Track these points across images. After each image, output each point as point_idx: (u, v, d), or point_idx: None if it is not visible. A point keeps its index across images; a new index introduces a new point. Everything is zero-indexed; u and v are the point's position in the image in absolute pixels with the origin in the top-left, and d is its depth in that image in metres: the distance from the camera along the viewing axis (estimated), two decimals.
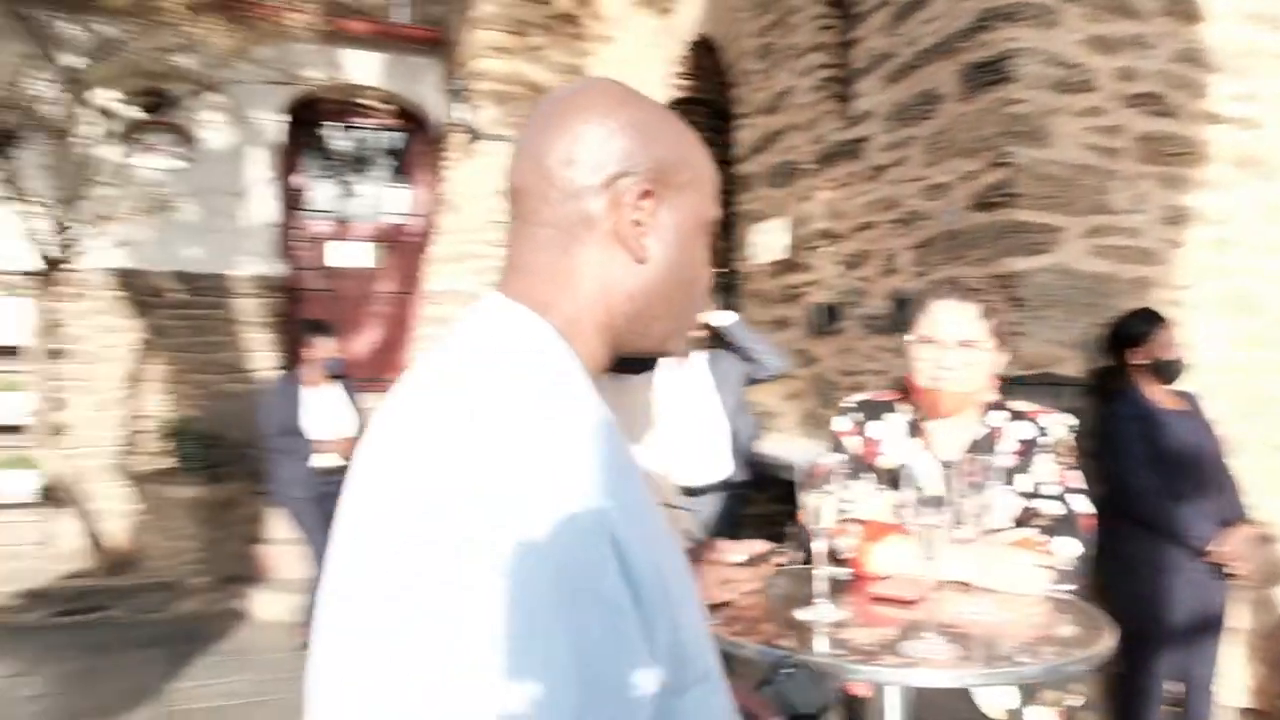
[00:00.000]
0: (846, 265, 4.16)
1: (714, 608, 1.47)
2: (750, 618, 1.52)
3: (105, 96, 5.90)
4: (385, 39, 7.20)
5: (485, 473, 0.63)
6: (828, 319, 4.23)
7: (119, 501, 6.21)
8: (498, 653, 0.60)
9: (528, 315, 0.77)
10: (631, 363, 1.59)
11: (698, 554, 1.50)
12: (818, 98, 4.40)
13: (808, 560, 1.72)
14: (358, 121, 7.32)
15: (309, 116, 7.22)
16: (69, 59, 5.52)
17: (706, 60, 5.74)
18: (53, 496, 6.07)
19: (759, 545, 1.50)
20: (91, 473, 6.18)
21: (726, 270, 5.64)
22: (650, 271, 0.80)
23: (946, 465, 1.72)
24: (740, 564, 1.48)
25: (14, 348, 6.06)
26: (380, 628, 0.64)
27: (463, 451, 0.65)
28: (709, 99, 5.96)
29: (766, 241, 4.85)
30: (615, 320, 0.80)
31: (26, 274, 5.79)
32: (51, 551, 6.09)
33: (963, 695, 1.61)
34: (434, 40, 7.29)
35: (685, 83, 6.01)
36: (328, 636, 0.71)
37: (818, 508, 1.49)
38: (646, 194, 0.78)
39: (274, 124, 6.95)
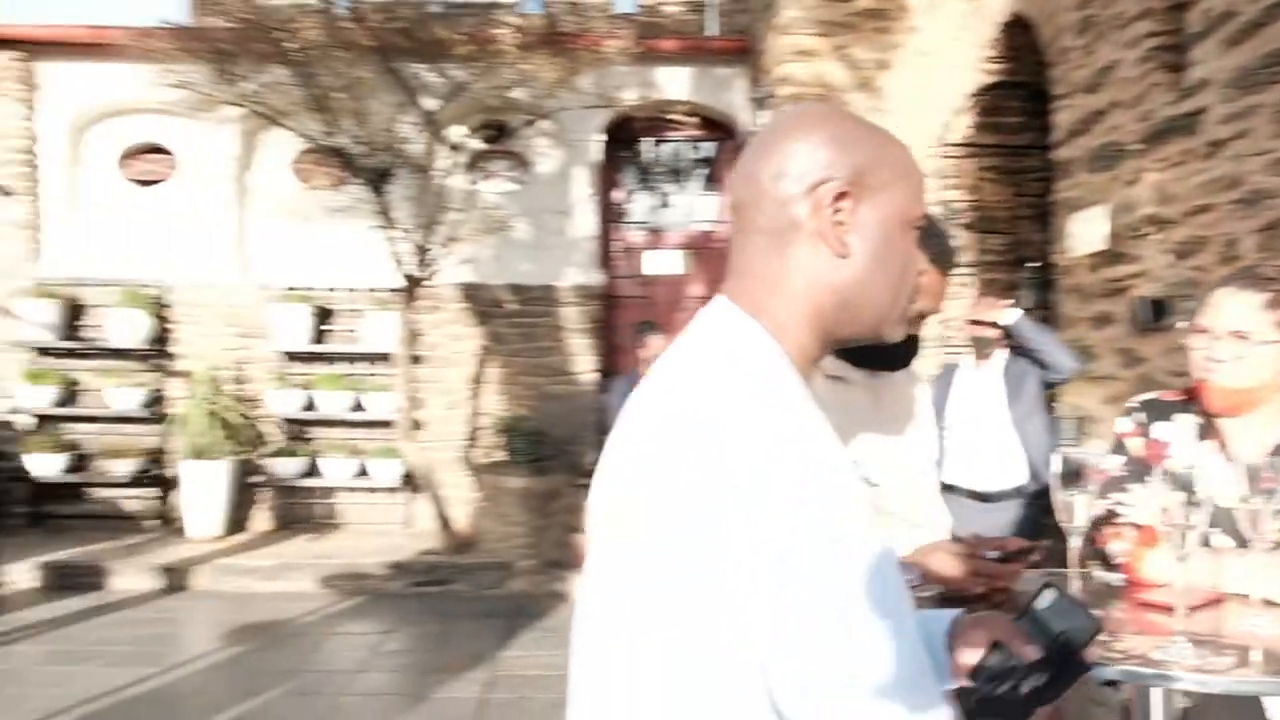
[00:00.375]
0: (1177, 254, 3.71)
1: (968, 599, 1.48)
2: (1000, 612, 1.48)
3: (456, 132, 6.74)
4: (694, 53, 7.51)
5: (711, 466, 0.75)
6: (1153, 314, 3.79)
7: (463, 489, 7.04)
8: (761, 616, 0.72)
9: (743, 318, 0.87)
10: (889, 360, 1.61)
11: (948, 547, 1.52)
12: (1145, 70, 3.97)
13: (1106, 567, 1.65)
14: (669, 135, 7.69)
15: (624, 134, 7.72)
16: (428, 103, 6.36)
17: (1020, 40, 5.37)
18: (412, 482, 7.04)
19: (1014, 542, 1.51)
20: (442, 463, 7.07)
21: (1041, 264, 5.25)
22: (853, 265, 0.88)
23: (1243, 469, 1.52)
24: (995, 559, 1.49)
25: (385, 354, 7.10)
26: (651, 603, 0.75)
27: (695, 449, 0.76)
28: (1024, 81, 5.57)
29: (1085, 231, 4.45)
30: (824, 312, 0.89)
31: (393, 291, 6.76)
32: (411, 530, 7.07)
33: (1255, 713, 1.43)
34: (740, 50, 7.48)
35: (998, 66, 5.67)
36: (592, 619, 0.83)
37: (1070, 506, 1.42)
38: (843, 195, 0.87)
39: (594, 144, 7.51)
